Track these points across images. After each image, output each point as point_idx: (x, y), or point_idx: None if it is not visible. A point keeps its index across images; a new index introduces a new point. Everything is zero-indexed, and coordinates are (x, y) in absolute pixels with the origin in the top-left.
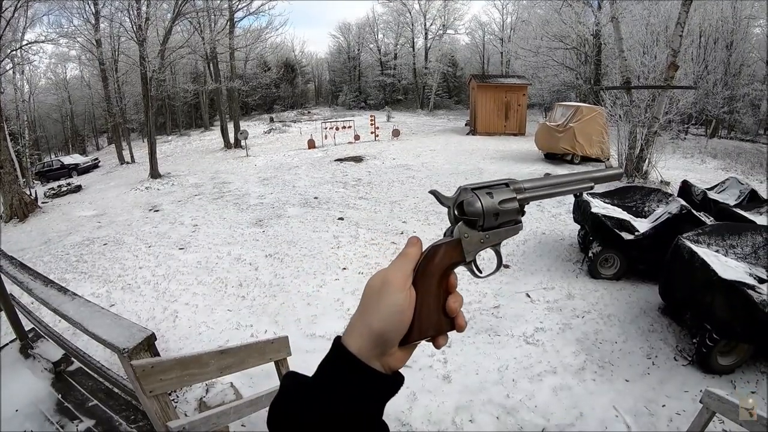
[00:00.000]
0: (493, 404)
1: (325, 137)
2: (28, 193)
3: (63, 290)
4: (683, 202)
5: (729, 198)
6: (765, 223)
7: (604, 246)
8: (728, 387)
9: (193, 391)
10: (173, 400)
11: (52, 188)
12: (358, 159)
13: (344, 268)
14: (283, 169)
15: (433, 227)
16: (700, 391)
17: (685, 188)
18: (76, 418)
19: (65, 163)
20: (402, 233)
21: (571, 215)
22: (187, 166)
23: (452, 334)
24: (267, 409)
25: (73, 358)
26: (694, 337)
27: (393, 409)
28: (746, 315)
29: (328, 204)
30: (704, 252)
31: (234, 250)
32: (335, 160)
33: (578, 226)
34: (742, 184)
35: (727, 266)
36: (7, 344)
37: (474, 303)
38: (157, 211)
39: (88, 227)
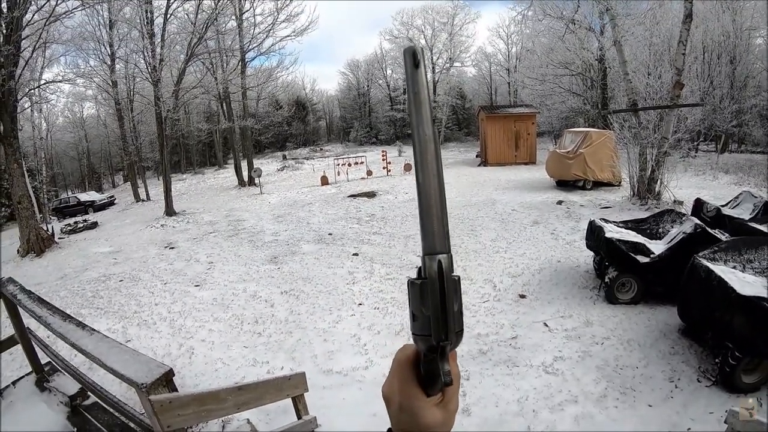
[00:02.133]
0: None
1: (338, 174)
2: (45, 228)
3: (81, 325)
4: (697, 221)
5: (743, 213)
6: None
7: (620, 270)
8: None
9: (209, 427)
10: None
11: (69, 224)
12: (371, 194)
13: (360, 304)
14: (297, 206)
15: None
16: (725, 411)
17: (699, 206)
18: None
19: (81, 199)
20: (417, 267)
21: (585, 242)
22: (202, 203)
23: (471, 365)
24: None
25: (89, 392)
26: (716, 356)
27: None
28: None
29: (343, 240)
30: (721, 269)
31: (249, 287)
32: (348, 196)
33: (593, 253)
34: (755, 197)
35: (745, 282)
36: (23, 377)
37: (491, 335)
38: (172, 248)
39: (104, 263)
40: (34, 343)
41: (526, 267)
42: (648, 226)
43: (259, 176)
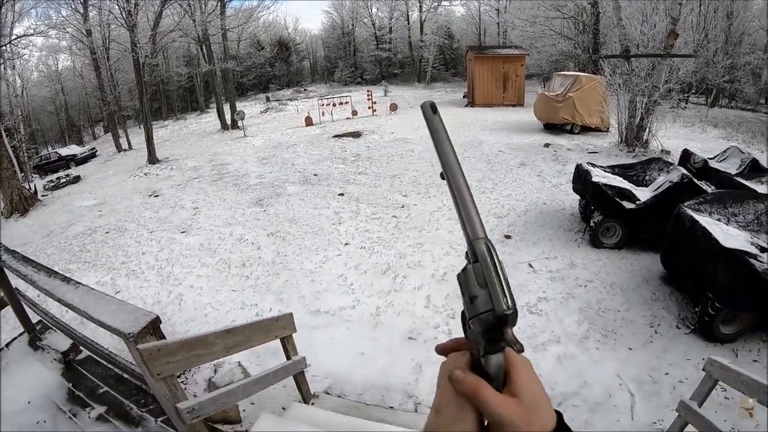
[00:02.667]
0: None
1: (323, 114)
2: (28, 187)
3: (67, 280)
4: (684, 171)
5: (730, 167)
6: (767, 192)
7: (606, 215)
8: (730, 355)
9: (201, 372)
10: (182, 381)
11: (51, 180)
12: (356, 134)
13: (346, 244)
14: (281, 147)
15: (434, 200)
16: (703, 359)
17: (686, 157)
18: (87, 405)
19: (63, 154)
20: (403, 207)
21: (572, 185)
22: (185, 149)
23: (456, 304)
24: (274, 387)
25: (81, 347)
26: (696, 305)
27: (399, 382)
28: (749, 284)
29: (328, 180)
30: (706, 221)
31: (236, 230)
32: (333, 137)
33: (579, 196)
34: (743, 153)
35: (729, 235)
36: (15, 338)
37: None
38: (157, 196)
39: (89, 217)
40: (23, 303)
41: (511, 208)
42: (635, 173)
43: (242, 119)
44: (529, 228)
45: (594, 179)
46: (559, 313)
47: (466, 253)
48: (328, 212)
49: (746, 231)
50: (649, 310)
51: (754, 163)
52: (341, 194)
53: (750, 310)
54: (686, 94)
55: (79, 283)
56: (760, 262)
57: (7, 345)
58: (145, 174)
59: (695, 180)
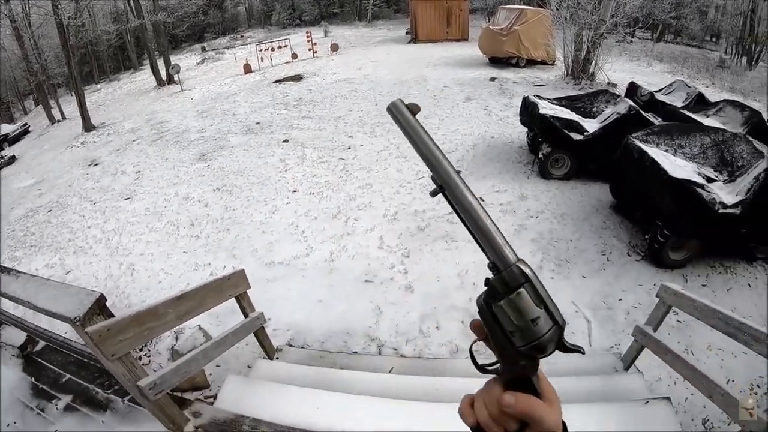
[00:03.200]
0: (457, 309)
1: (261, 60)
2: None
3: (6, 270)
4: (631, 103)
5: (676, 100)
6: (714, 125)
7: (554, 147)
8: (680, 280)
9: (163, 342)
10: (145, 354)
11: None
12: (297, 78)
13: (294, 191)
14: (221, 98)
15: (380, 139)
16: (654, 284)
17: (633, 90)
18: (53, 397)
19: None
20: (349, 148)
21: (519, 118)
22: (121, 112)
23: (410, 242)
24: (236, 346)
25: (36, 338)
26: (645, 233)
27: (360, 325)
28: (696, 212)
29: (271, 128)
30: (654, 151)
31: (181, 189)
32: (274, 82)
33: (526, 129)
34: (689, 87)
35: (677, 165)
36: None
37: (428, 211)
38: (96, 164)
39: (29, 197)
40: None
41: (459, 143)
42: (582, 105)
43: (178, 73)
44: (478, 162)
45: (541, 111)
46: (513, 245)
47: (486, 280)
48: (273, 160)
49: (693, 162)
50: (600, 239)
51: (700, 96)
52: (286, 141)
53: (697, 238)
54: (632, 29)
55: (20, 272)
56: (707, 191)
57: None
58: (82, 143)
59: (642, 112)
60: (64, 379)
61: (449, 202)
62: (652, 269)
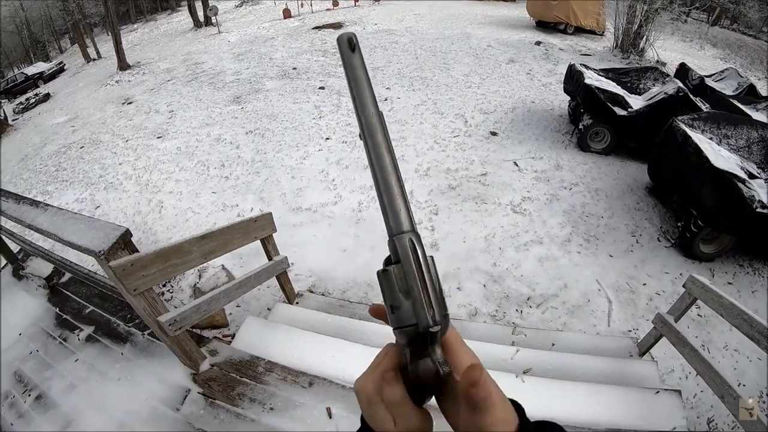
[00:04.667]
0: (480, 272)
1: (302, 5)
2: None
3: (35, 204)
4: (681, 84)
5: (726, 88)
6: (762, 120)
7: (596, 119)
8: (707, 274)
9: (186, 279)
10: (168, 290)
11: (20, 103)
12: (337, 26)
13: (327, 138)
14: (258, 42)
15: (418, 93)
16: (681, 274)
17: (683, 71)
18: (76, 327)
19: (29, 74)
20: (386, 99)
21: (562, 85)
22: (157, 52)
23: (440, 200)
24: (258, 288)
25: (63, 270)
26: (679, 220)
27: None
28: (733, 207)
29: (308, 74)
30: (698, 137)
31: (213, 130)
32: (313, 29)
33: (569, 97)
34: (741, 76)
35: (720, 155)
36: None
37: (461, 170)
38: (130, 103)
39: (63, 134)
40: (1, 235)
41: (498, 104)
42: (629, 80)
43: (216, 15)
44: (516, 126)
45: (587, 81)
46: (543, 214)
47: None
48: (308, 107)
49: (737, 155)
50: (632, 219)
51: (751, 88)
52: (322, 88)
53: (731, 233)
54: (688, 8)
55: (48, 205)
56: (747, 187)
57: None
58: (117, 82)
59: (691, 95)
60: (87, 311)
61: (366, 149)
62: (680, 258)
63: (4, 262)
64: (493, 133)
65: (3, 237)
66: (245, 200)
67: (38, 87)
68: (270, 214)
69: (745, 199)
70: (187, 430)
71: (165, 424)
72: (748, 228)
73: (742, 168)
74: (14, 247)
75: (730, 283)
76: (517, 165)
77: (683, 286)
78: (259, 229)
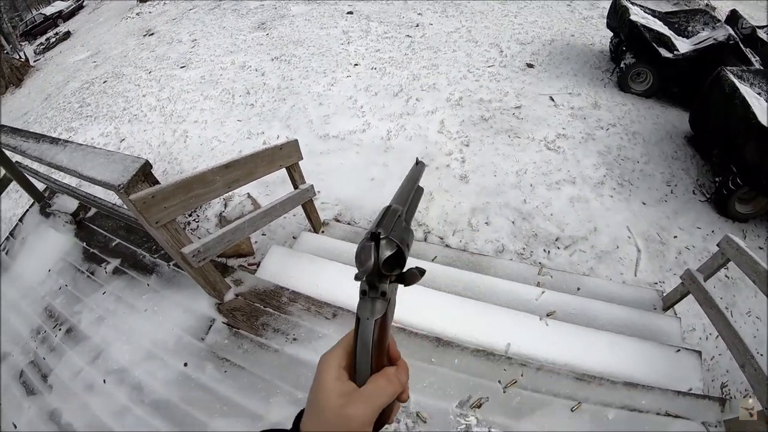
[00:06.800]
0: (510, 208)
1: None
2: (18, 57)
3: (54, 141)
4: (732, 32)
5: None
6: None
7: (639, 59)
8: (739, 235)
9: (212, 208)
10: (194, 219)
11: (41, 43)
12: None
13: (356, 64)
14: None
15: (452, 20)
16: (712, 231)
17: (734, 18)
18: (103, 261)
19: (47, 14)
20: (417, 26)
21: (605, 20)
22: None
23: (471, 131)
24: (284, 216)
25: (88, 205)
26: (717, 175)
27: None
28: None
29: None
30: (747, 91)
31: (238, 58)
32: None
33: (611, 33)
34: None
35: None
36: (27, 211)
37: (494, 101)
38: (152, 34)
39: (85, 70)
40: (27, 174)
41: (536, 36)
42: (677, 21)
43: None
44: (554, 59)
45: (632, 18)
46: (577, 153)
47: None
48: (336, 32)
49: None
50: (669, 168)
51: None
52: (350, 12)
53: None
54: None
55: (68, 142)
56: None
57: (21, 219)
58: (137, 14)
59: (741, 44)
60: (113, 244)
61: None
62: (713, 215)
63: (30, 200)
64: (530, 65)
65: (28, 176)
66: (271, 128)
67: (58, 26)
68: (296, 141)
69: None
70: (211, 359)
71: (190, 354)
72: None
73: None
74: (40, 186)
75: (761, 248)
76: (553, 100)
77: (717, 245)
78: (285, 156)
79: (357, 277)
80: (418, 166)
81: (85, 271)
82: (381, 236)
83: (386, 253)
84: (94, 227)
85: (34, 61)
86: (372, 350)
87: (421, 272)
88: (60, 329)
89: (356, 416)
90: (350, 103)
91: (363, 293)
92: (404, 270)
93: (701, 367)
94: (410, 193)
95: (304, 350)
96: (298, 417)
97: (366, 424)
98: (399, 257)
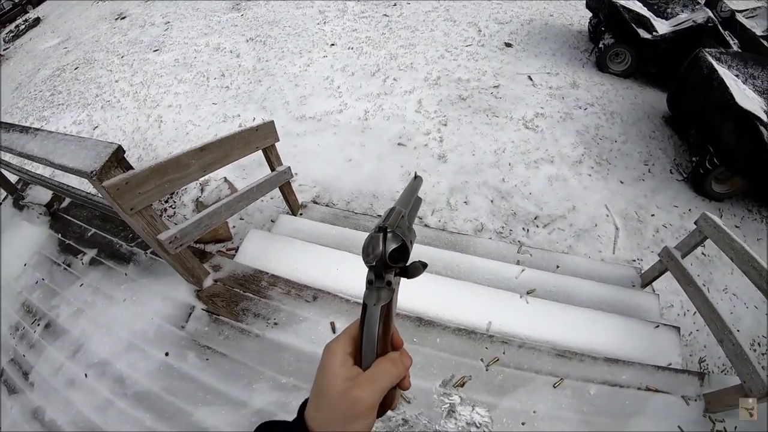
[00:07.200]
0: (488, 187)
1: None
2: None
3: (25, 130)
4: (711, 14)
5: (757, 27)
6: None
7: (617, 39)
8: (716, 214)
9: (188, 193)
10: (170, 205)
11: (10, 31)
12: None
13: (332, 44)
14: None
15: None
16: (689, 210)
17: (713, 1)
18: (79, 252)
19: (16, 0)
20: (395, 5)
21: (584, 0)
22: None
23: (449, 110)
24: (261, 200)
25: (62, 195)
26: (693, 155)
27: (388, 189)
28: (752, 149)
29: None
30: (725, 72)
31: (212, 40)
32: None
33: (591, 14)
34: None
35: (746, 95)
36: (0, 203)
37: (473, 81)
38: (123, 18)
39: (55, 57)
40: None
41: (515, 15)
42: (656, 2)
43: None
44: (532, 39)
45: None
46: (556, 133)
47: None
48: (312, 11)
49: (762, 97)
50: (646, 147)
51: None
52: None
53: (745, 176)
54: None
55: (38, 130)
56: None
57: None
58: None
59: (720, 27)
60: (89, 234)
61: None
62: (690, 193)
63: (4, 194)
64: (508, 45)
65: (0, 168)
66: (247, 110)
67: (27, 12)
68: (272, 122)
69: (765, 144)
70: (192, 347)
71: (171, 343)
72: (763, 174)
73: (766, 112)
74: (13, 178)
75: (737, 227)
76: (531, 79)
77: (695, 223)
78: (261, 138)
79: (367, 263)
80: (416, 180)
81: (61, 263)
82: (388, 230)
83: (392, 245)
84: (69, 218)
85: (4, 50)
86: (377, 335)
87: (424, 265)
88: (39, 324)
89: (362, 398)
90: (327, 83)
91: (369, 283)
92: (407, 264)
93: (680, 342)
94: (411, 200)
95: (286, 334)
96: (302, 407)
97: (371, 407)
98: (403, 251)
